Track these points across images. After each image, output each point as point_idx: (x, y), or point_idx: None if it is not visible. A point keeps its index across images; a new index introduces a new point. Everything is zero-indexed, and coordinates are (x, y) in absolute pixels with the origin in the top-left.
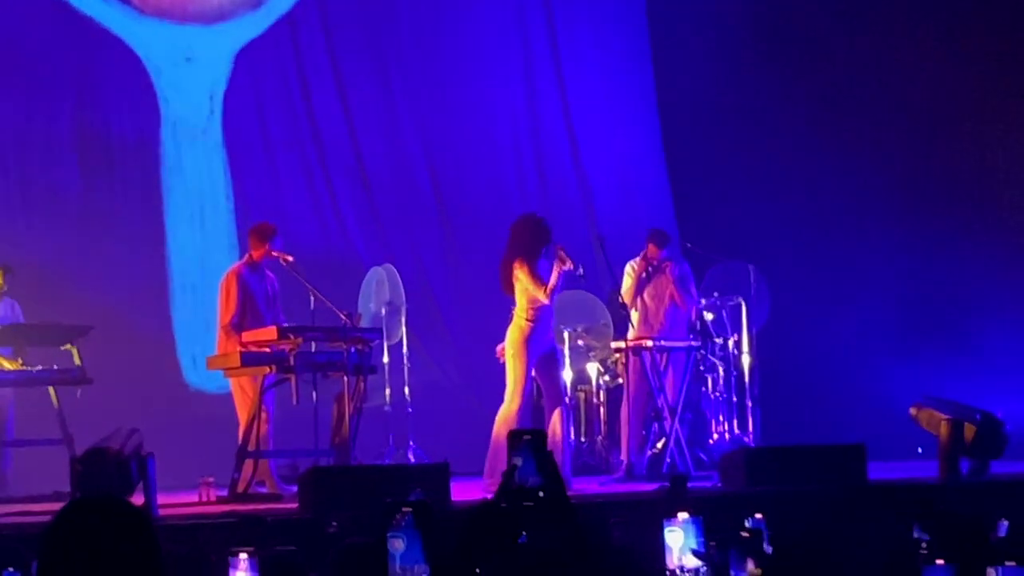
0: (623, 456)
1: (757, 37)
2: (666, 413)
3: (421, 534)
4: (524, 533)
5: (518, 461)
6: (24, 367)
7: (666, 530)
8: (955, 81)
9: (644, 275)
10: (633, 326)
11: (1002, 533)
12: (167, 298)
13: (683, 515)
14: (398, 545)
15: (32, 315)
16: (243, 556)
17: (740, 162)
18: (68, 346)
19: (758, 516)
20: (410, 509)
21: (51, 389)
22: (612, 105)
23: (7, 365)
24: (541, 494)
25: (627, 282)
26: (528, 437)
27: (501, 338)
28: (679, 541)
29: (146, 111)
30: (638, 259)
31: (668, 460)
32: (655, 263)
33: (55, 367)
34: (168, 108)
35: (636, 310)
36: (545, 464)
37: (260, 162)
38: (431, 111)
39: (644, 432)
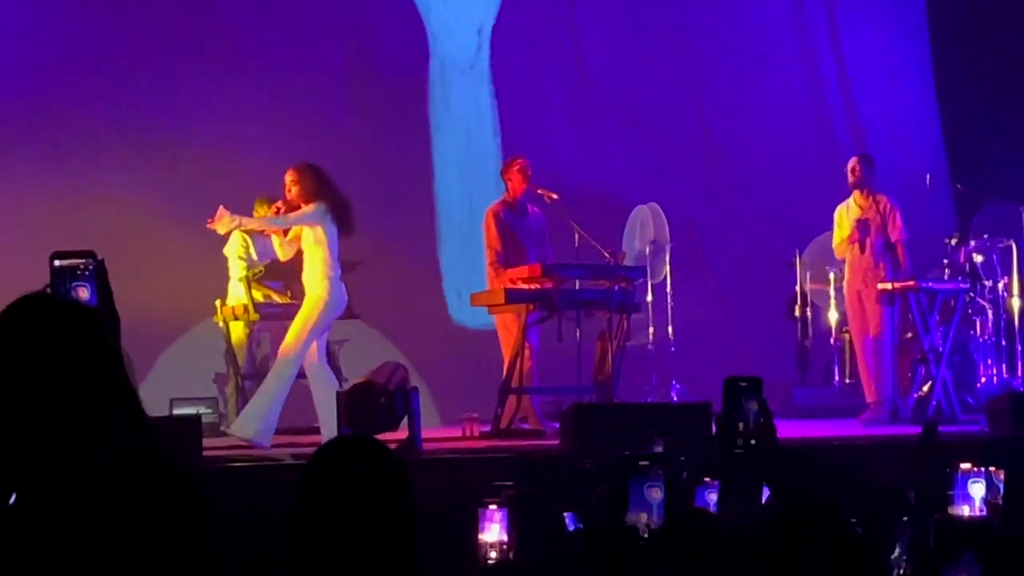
0: (869, 398)
1: None
2: (932, 356)
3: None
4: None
5: (753, 406)
6: (293, 301)
7: (970, 481)
8: None
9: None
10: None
11: None
12: (434, 234)
13: (966, 465)
14: (656, 495)
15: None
16: (493, 506)
17: (1012, 100)
18: None
19: None
20: (647, 463)
21: None
22: (882, 43)
23: (277, 299)
24: (753, 441)
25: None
26: (746, 384)
27: (764, 278)
28: (980, 492)
29: (415, 47)
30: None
31: (934, 403)
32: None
33: None
34: (437, 45)
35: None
36: (766, 410)
37: (527, 98)
38: (700, 49)
39: (910, 375)
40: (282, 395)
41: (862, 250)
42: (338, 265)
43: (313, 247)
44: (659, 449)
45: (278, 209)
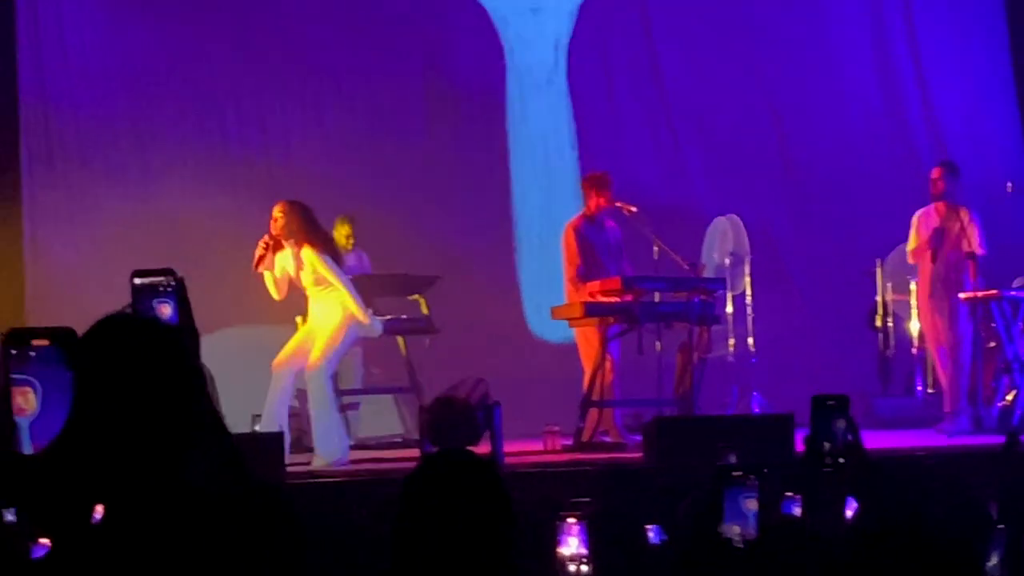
0: (946, 408)
1: None
2: (1016, 365)
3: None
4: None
5: (841, 424)
6: (374, 318)
7: None
8: None
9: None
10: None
11: None
12: (512, 248)
13: None
14: (752, 506)
15: (380, 266)
16: (572, 520)
17: None
18: (416, 296)
19: None
20: (743, 474)
21: (400, 339)
22: (961, 49)
23: None
24: (841, 460)
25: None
26: (833, 402)
27: (845, 288)
28: None
29: (492, 62)
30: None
31: (1019, 412)
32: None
33: (403, 317)
34: (514, 59)
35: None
36: (854, 428)
37: (604, 111)
38: (777, 59)
39: (994, 384)
40: (334, 412)
41: (933, 259)
42: (350, 289)
43: (313, 284)
44: (732, 461)
45: (267, 244)
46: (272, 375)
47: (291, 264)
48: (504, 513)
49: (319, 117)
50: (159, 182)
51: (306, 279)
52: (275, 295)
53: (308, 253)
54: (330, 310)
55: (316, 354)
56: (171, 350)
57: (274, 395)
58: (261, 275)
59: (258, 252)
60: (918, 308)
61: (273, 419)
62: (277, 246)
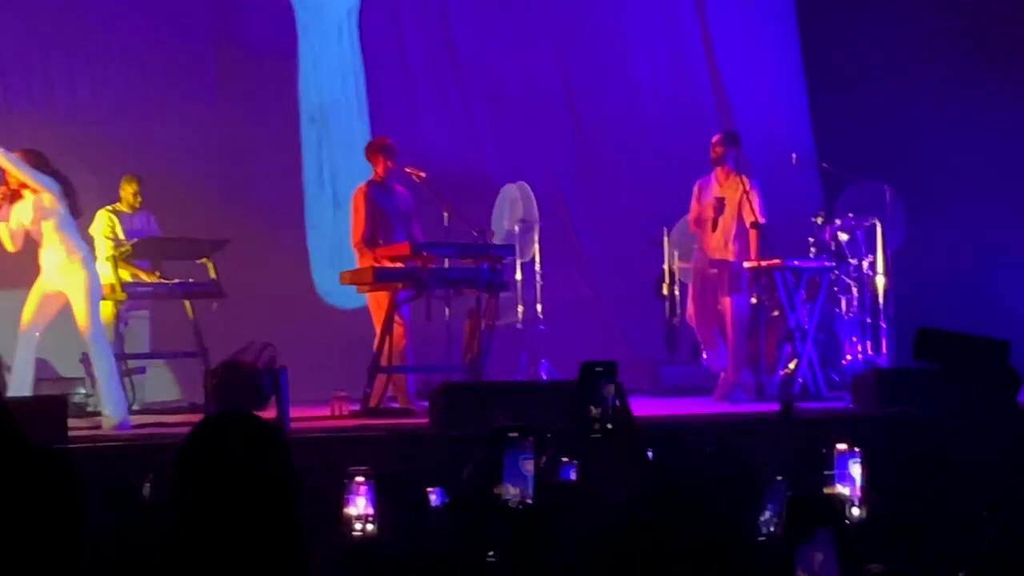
0: (731, 376)
1: None
2: (798, 334)
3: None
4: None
5: (610, 390)
6: (161, 280)
7: (850, 460)
8: None
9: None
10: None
11: None
12: (301, 212)
13: (843, 445)
14: (529, 467)
15: (168, 229)
16: (359, 479)
17: (877, 78)
18: (204, 260)
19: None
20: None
21: (187, 302)
22: (751, 20)
23: (144, 278)
24: (609, 426)
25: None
26: (601, 368)
27: (633, 257)
28: (860, 471)
29: (283, 25)
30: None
31: (800, 380)
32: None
33: (191, 280)
34: (305, 23)
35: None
36: (622, 394)
37: (396, 77)
38: (568, 31)
39: (776, 352)
40: (114, 370)
41: (714, 228)
42: (84, 244)
43: (53, 233)
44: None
45: (3, 195)
46: (18, 338)
47: (27, 215)
48: (284, 473)
49: (106, 77)
50: None
51: (46, 228)
52: (9, 247)
53: (48, 199)
54: (71, 266)
55: (83, 318)
56: None
57: (22, 357)
58: None
59: None
60: (692, 273)
61: (22, 382)
62: (15, 196)
